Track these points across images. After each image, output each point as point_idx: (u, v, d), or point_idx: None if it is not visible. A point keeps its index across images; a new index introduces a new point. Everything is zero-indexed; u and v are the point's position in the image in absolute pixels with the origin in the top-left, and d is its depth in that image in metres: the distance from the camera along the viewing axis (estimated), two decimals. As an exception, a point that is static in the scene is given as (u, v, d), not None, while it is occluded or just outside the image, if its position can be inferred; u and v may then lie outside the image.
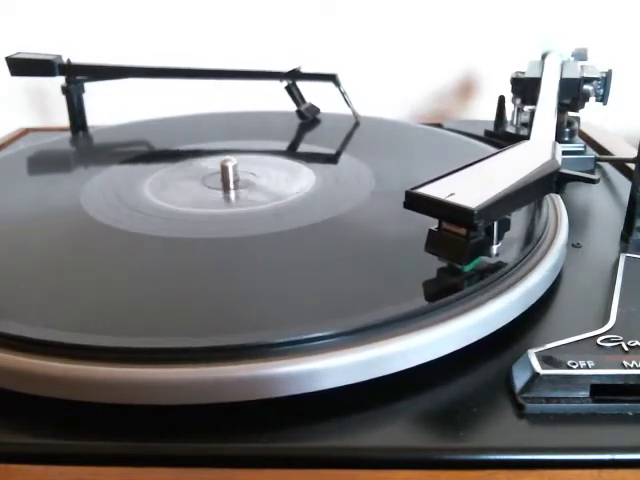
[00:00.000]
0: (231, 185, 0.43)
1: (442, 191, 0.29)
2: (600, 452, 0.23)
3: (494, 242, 0.30)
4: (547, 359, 0.25)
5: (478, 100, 0.72)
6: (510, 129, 0.55)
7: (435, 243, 0.29)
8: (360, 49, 0.69)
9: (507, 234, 0.32)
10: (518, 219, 0.35)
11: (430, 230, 0.29)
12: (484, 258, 0.30)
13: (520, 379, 0.25)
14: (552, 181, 0.33)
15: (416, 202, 0.29)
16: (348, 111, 0.57)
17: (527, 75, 0.52)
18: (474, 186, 0.30)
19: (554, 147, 0.35)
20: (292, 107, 0.58)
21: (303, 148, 0.53)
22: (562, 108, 0.52)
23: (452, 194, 0.28)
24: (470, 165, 0.32)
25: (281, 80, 0.57)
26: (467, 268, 0.29)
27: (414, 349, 0.25)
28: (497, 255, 0.30)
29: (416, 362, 0.26)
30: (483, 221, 0.27)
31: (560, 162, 0.34)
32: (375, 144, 0.52)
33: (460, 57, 0.69)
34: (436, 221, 0.29)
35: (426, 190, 0.29)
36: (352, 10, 0.68)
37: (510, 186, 0.29)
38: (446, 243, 0.29)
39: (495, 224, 0.30)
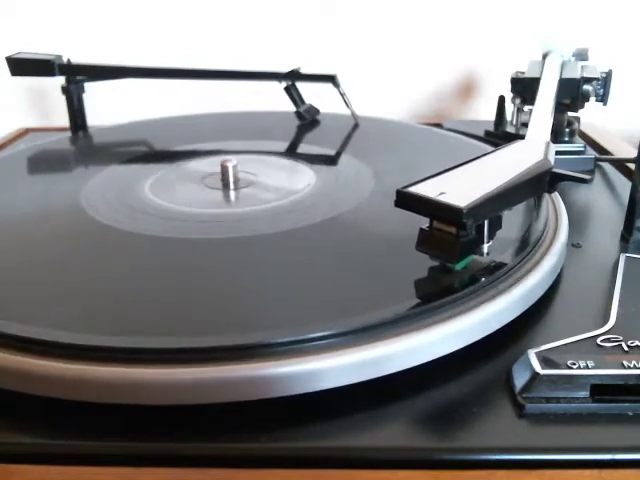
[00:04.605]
0: (231, 185, 0.43)
1: (433, 190, 0.29)
2: (600, 452, 0.23)
3: (485, 241, 0.30)
4: (547, 359, 0.25)
5: (478, 100, 0.72)
6: (510, 129, 0.55)
7: (426, 242, 0.29)
8: (360, 49, 0.69)
9: (507, 234, 0.32)
10: (518, 219, 0.35)
11: (421, 229, 0.29)
12: (479, 258, 0.30)
13: (520, 379, 0.25)
14: (544, 181, 0.33)
15: (407, 201, 0.29)
16: (348, 111, 0.57)
17: (527, 75, 0.52)
18: (465, 185, 0.30)
19: (547, 147, 0.35)
20: (292, 107, 0.58)
21: (303, 148, 0.53)
22: (562, 108, 0.52)
23: (442, 193, 0.28)
24: (463, 164, 0.32)
25: (280, 81, 0.57)
26: (458, 266, 0.29)
27: (414, 349, 0.25)
28: (488, 254, 0.30)
29: (416, 362, 0.26)
30: (472, 220, 0.27)
31: (553, 162, 0.34)
32: (375, 144, 0.52)
33: (460, 57, 0.69)
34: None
35: (417, 189, 0.29)
36: (352, 10, 0.68)
37: (500, 185, 0.29)
38: (437, 242, 0.29)
39: (486, 223, 0.30)
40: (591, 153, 0.52)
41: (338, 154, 0.50)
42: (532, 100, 0.47)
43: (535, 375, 0.24)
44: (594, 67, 0.52)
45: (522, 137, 0.39)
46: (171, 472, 0.23)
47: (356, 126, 0.56)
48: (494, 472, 0.22)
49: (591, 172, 0.50)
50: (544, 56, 0.55)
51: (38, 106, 0.71)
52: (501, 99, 0.56)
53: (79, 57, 0.57)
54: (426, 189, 0.29)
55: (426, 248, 0.29)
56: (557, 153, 0.37)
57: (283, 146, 0.52)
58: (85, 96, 0.59)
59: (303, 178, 0.44)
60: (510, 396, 0.25)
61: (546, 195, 0.37)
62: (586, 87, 0.50)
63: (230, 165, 0.43)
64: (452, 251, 0.29)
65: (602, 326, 0.28)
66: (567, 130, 0.53)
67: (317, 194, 0.41)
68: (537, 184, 0.32)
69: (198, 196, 0.41)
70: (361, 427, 0.24)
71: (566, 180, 0.33)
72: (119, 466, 0.23)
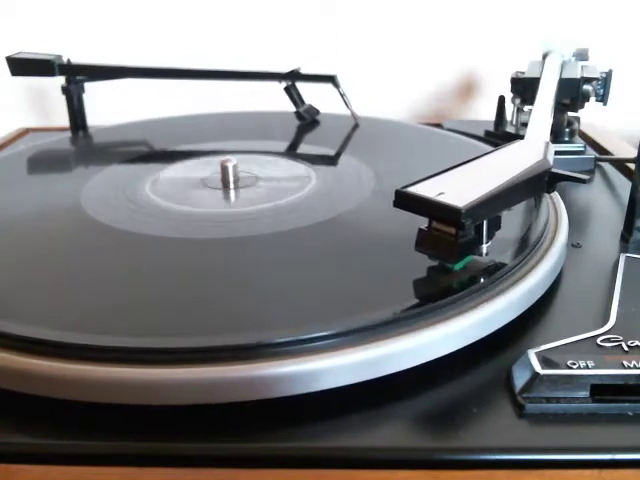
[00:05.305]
0: (231, 185, 0.43)
1: (432, 190, 0.29)
2: (600, 452, 0.23)
3: (484, 241, 0.30)
4: (547, 359, 0.25)
5: (478, 100, 0.72)
6: (510, 129, 0.55)
7: (425, 242, 0.29)
8: (360, 49, 0.69)
9: (507, 234, 0.32)
10: (518, 219, 0.35)
11: (420, 229, 0.29)
12: (479, 258, 0.30)
13: (520, 379, 0.25)
14: (543, 181, 0.33)
15: (406, 201, 0.29)
16: (348, 111, 0.57)
17: (527, 75, 0.52)
18: (464, 185, 0.30)
19: (546, 147, 0.35)
20: (292, 107, 0.58)
21: (303, 148, 0.53)
22: (562, 108, 0.52)
23: (441, 193, 0.28)
24: (462, 164, 0.32)
25: (280, 81, 0.57)
26: (457, 267, 0.29)
27: (414, 349, 0.25)
28: (487, 254, 0.30)
29: (416, 362, 0.26)
30: (471, 220, 0.27)
31: (552, 162, 0.34)
32: (375, 144, 0.52)
33: (460, 57, 0.69)
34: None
35: (416, 189, 0.29)
36: (352, 10, 0.68)
37: (499, 185, 0.29)
38: (436, 242, 0.29)
39: (485, 223, 0.30)
40: (591, 153, 0.52)
41: (338, 154, 0.50)
42: (532, 100, 0.47)
43: (535, 375, 0.24)
44: (594, 67, 0.52)
45: (522, 137, 0.39)
46: (173, 472, 0.23)
47: (356, 126, 0.56)
48: (494, 472, 0.23)
49: (591, 172, 0.50)
50: (544, 56, 0.55)
51: (38, 106, 0.71)
52: (501, 99, 0.56)
53: (79, 57, 0.57)
54: (425, 189, 0.29)
55: (425, 248, 0.29)
56: (557, 153, 0.37)
57: (283, 146, 0.52)
58: (85, 96, 0.59)
59: (303, 178, 0.44)
60: (510, 396, 0.25)
61: (546, 195, 0.37)
62: (586, 87, 0.50)
63: (230, 165, 0.43)
64: (451, 251, 0.29)
65: (602, 326, 0.28)
66: (567, 130, 0.53)
67: (317, 194, 0.41)
68: (536, 184, 0.32)
69: (198, 196, 0.41)
70: (361, 427, 0.24)
71: (565, 180, 0.33)
72: (121, 466, 0.23)
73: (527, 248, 0.32)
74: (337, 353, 0.24)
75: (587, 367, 0.24)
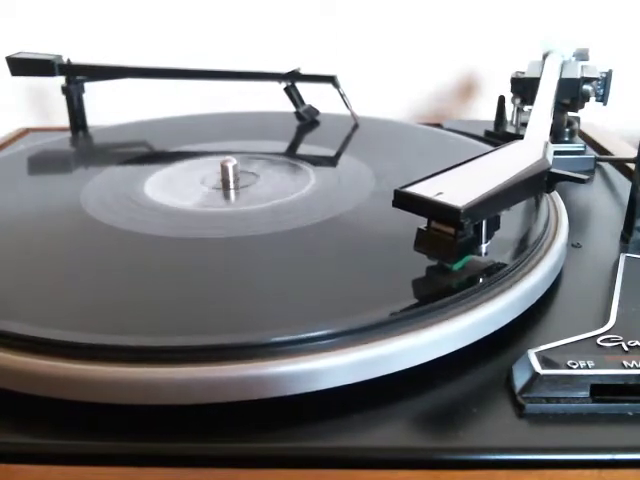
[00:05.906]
0: (231, 185, 0.43)
1: (431, 190, 0.29)
2: (600, 452, 0.23)
3: (483, 241, 0.30)
4: (547, 359, 0.25)
5: (478, 100, 0.72)
6: (510, 129, 0.55)
7: (424, 242, 0.29)
8: (360, 49, 0.69)
9: (508, 234, 0.32)
10: (518, 219, 0.35)
11: (419, 229, 0.29)
12: (478, 258, 0.30)
13: (520, 379, 0.25)
14: (542, 181, 0.33)
15: (405, 201, 0.29)
16: (348, 112, 0.57)
17: (527, 75, 0.52)
18: (463, 185, 0.30)
19: (546, 147, 0.35)
20: (292, 108, 0.58)
21: (303, 148, 0.53)
22: (562, 108, 0.52)
23: (440, 193, 0.28)
24: (461, 164, 0.32)
25: (280, 81, 0.57)
26: (456, 267, 0.29)
27: (414, 349, 0.25)
28: (486, 254, 0.30)
29: (416, 362, 0.26)
30: (470, 220, 0.27)
31: (551, 162, 0.34)
32: (375, 144, 0.52)
33: (460, 57, 0.69)
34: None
35: (414, 189, 0.29)
36: (352, 10, 0.68)
37: (498, 185, 0.29)
38: (435, 242, 0.29)
39: (484, 223, 0.30)
40: (591, 153, 0.52)
41: (338, 154, 0.50)
42: (532, 100, 0.47)
43: (535, 375, 0.24)
44: (594, 67, 0.52)
45: (522, 137, 0.39)
46: (173, 472, 0.23)
47: (356, 126, 0.56)
48: (494, 472, 0.22)
49: (591, 172, 0.50)
50: (544, 56, 0.55)
51: (38, 106, 0.71)
52: (501, 99, 0.56)
53: (79, 57, 0.57)
54: (424, 189, 0.29)
55: (424, 248, 0.29)
56: (557, 153, 0.37)
57: (283, 146, 0.52)
58: (85, 96, 0.59)
59: (303, 178, 0.44)
60: (510, 396, 0.25)
61: (546, 195, 0.37)
62: (586, 87, 0.50)
63: (230, 165, 0.43)
64: (450, 251, 0.29)
65: (602, 326, 0.28)
66: (567, 130, 0.53)
67: (317, 194, 0.41)
68: (535, 184, 0.32)
69: (198, 196, 0.41)
70: (361, 427, 0.24)
71: (564, 180, 0.33)
72: (121, 466, 0.23)
73: (527, 248, 0.32)
74: (337, 353, 0.24)
75: (587, 367, 0.24)
